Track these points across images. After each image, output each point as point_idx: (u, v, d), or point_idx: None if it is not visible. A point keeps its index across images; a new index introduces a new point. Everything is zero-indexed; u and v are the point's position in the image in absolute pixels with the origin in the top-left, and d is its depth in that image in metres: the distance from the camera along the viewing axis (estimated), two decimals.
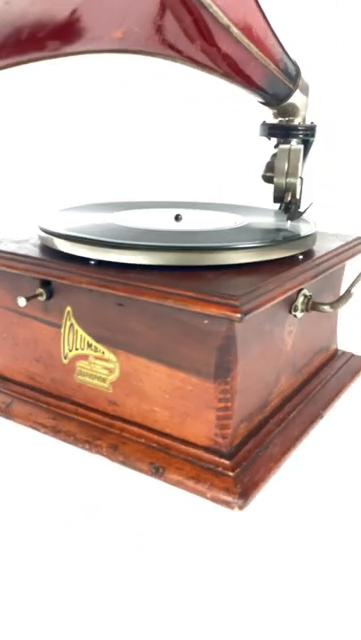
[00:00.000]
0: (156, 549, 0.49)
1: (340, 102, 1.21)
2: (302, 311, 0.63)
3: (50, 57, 0.50)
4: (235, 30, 0.58)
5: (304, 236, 0.63)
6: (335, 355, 0.80)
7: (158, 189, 1.12)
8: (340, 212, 1.03)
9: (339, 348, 0.82)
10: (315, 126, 0.77)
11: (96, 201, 0.83)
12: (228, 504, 0.53)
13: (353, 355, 0.81)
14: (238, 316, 0.48)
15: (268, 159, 0.77)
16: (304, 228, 0.67)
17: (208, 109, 1.29)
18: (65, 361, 0.64)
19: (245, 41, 0.61)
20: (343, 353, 0.81)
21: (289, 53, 0.69)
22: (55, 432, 0.63)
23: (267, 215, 0.76)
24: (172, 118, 1.31)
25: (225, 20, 0.56)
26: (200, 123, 1.31)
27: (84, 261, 0.59)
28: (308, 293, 0.63)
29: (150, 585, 0.46)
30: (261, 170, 0.77)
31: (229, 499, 0.53)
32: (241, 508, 0.52)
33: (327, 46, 1.21)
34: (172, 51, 0.57)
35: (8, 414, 0.67)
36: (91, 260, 0.58)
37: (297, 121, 0.77)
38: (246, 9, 0.60)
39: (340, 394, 0.72)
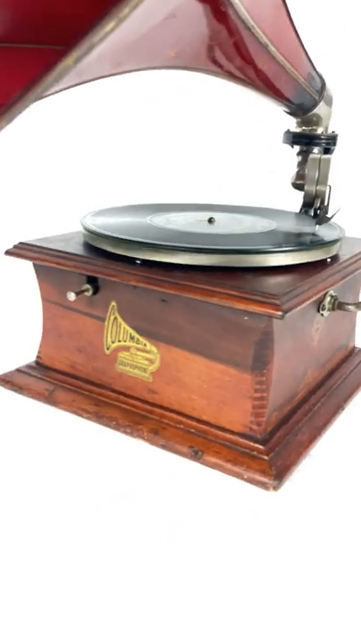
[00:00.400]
0: (192, 531, 0.54)
1: (342, 101, 1.25)
2: (329, 310, 0.68)
3: (109, 75, 0.55)
4: (272, 48, 0.62)
5: (334, 240, 0.68)
6: (353, 352, 0.85)
7: (172, 192, 1.16)
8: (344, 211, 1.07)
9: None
10: (336, 135, 0.81)
11: (121, 203, 0.87)
12: (263, 485, 0.58)
13: None
14: (280, 313, 0.53)
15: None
16: (333, 233, 0.71)
17: (215, 114, 1.33)
18: (107, 352, 0.69)
19: (280, 57, 0.65)
20: (360, 350, 0.86)
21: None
22: (98, 417, 0.68)
23: (291, 218, 0.80)
24: (177, 123, 1.35)
25: (264, 40, 0.60)
26: (205, 126, 1.35)
27: (129, 260, 0.64)
28: (334, 294, 0.68)
29: (190, 561, 0.50)
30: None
31: (265, 480, 0.58)
32: (276, 488, 0.57)
33: (328, 45, 1.24)
34: (214, 66, 0.61)
35: (51, 401, 0.71)
36: (137, 259, 0.63)
37: (320, 130, 0.81)
38: (282, 26, 0.64)
39: (359, 388, 0.77)
